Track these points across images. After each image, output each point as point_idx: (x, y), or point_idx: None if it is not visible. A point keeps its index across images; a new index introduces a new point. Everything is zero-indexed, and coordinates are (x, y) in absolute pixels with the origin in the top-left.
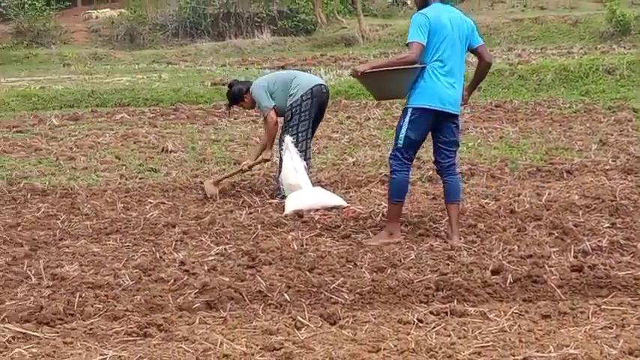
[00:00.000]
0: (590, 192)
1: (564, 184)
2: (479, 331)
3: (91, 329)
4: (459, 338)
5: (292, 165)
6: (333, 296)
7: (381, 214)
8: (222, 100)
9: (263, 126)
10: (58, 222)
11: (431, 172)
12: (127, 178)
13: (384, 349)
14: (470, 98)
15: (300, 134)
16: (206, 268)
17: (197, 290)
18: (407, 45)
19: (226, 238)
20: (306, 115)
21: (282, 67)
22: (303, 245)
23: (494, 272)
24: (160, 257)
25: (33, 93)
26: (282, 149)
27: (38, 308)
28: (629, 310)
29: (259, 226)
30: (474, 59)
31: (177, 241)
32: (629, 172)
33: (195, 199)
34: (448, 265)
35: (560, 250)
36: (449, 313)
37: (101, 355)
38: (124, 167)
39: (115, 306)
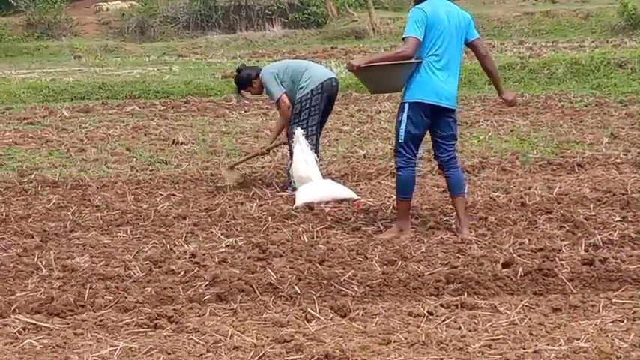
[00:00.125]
0: (601, 185)
1: (575, 178)
2: (489, 323)
3: (101, 320)
4: (470, 331)
5: (303, 157)
6: (344, 288)
7: (391, 207)
8: (233, 93)
9: (278, 112)
10: (69, 213)
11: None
12: (138, 170)
13: (395, 341)
14: (511, 94)
15: (309, 128)
16: (216, 260)
17: (207, 282)
18: (403, 40)
19: (237, 230)
20: (316, 110)
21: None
22: (313, 237)
23: (505, 265)
24: (171, 249)
25: (44, 85)
26: (292, 142)
27: (49, 299)
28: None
29: (270, 218)
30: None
31: (187, 233)
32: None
33: (205, 191)
34: (459, 257)
35: (570, 244)
36: (459, 306)
37: (112, 346)
38: (134, 159)
39: (126, 297)
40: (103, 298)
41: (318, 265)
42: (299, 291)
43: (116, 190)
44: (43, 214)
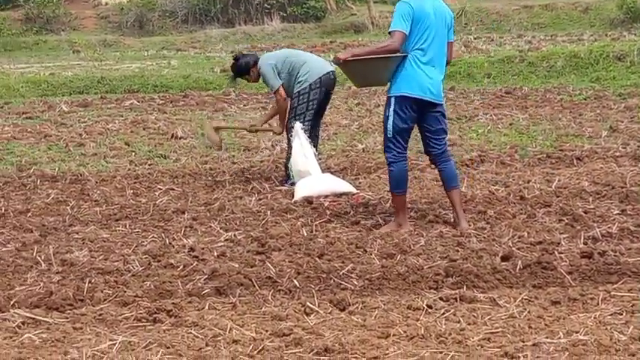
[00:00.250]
0: (600, 179)
1: (574, 171)
2: (488, 317)
3: (100, 315)
4: (469, 324)
5: (302, 151)
6: (343, 282)
7: (390, 201)
8: (231, 87)
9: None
10: (68, 208)
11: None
12: (137, 165)
13: (394, 334)
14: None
15: (306, 122)
16: (215, 254)
17: (206, 276)
18: (389, 33)
19: (236, 224)
20: (314, 104)
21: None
22: (312, 231)
23: (504, 258)
24: (170, 243)
25: (42, 79)
26: (291, 135)
27: (48, 294)
28: (639, 297)
29: (269, 212)
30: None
31: (186, 227)
32: (639, 158)
33: (204, 185)
34: (458, 251)
35: (570, 237)
36: (458, 299)
37: (111, 340)
38: (133, 153)
39: (125, 292)
40: (102, 292)
41: (317, 258)
42: (298, 285)
43: (115, 185)
44: (42, 208)
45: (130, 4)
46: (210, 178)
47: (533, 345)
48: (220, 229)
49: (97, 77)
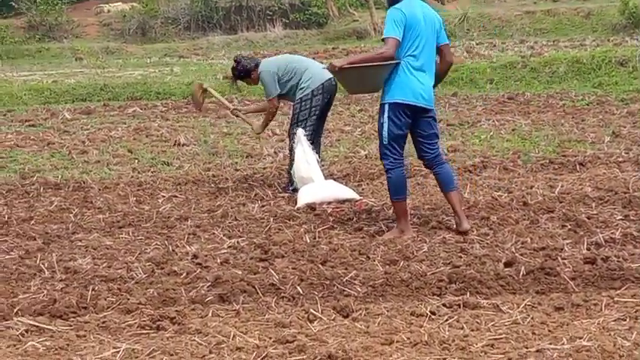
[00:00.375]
0: (603, 184)
1: (577, 177)
2: (492, 323)
3: (104, 322)
4: (472, 330)
5: (304, 158)
6: (346, 289)
7: (393, 207)
8: (234, 94)
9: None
10: (71, 215)
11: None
12: (140, 172)
13: (397, 341)
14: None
15: (308, 128)
16: (219, 261)
17: (210, 283)
18: (383, 40)
19: (239, 231)
20: (316, 110)
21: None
22: (315, 238)
23: (507, 264)
24: (173, 250)
25: (45, 87)
26: (293, 142)
27: (51, 301)
28: None
29: (272, 219)
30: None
31: (189, 234)
32: None
33: (207, 193)
34: (461, 257)
35: (573, 243)
36: (462, 306)
37: (114, 348)
38: (136, 161)
39: (128, 299)
40: (105, 299)
41: (320, 265)
42: (301, 292)
43: (118, 192)
44: (45, 216)
45: (133, 11)
46: (213, 185)
47: (537, 351)
48: (223, 236)
49: (99, 84)
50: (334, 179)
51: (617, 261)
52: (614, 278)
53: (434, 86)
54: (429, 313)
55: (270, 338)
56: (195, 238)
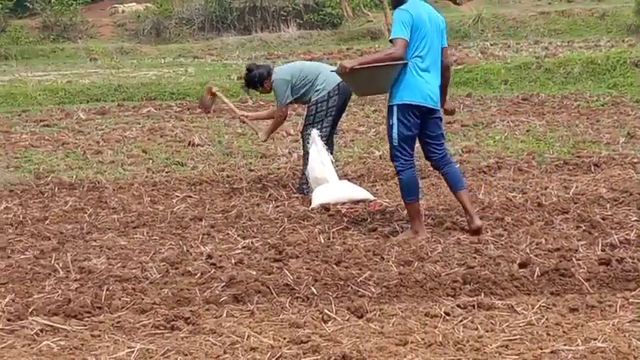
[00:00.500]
0: (618, 185)
1: (592, 177)
2: (506, 324)
3: (118, 322)
4: (487, 331)
5: (319, 158)
6: (360, 289)
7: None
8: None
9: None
10: (86, 215)
11: (458, 165)
12: (154, 172)
13: (412, 342)
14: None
15: (324, 129)
16: (233, 261)
17: (224, 283)
18: (391, 41)
19: (253, 231)
20: (332, 111)
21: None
22: (329, 238)
23: (522, 265)
24: (187, 250)
25: (60, 87)
26: (308, 143)
27: (66, 301)
28: None
29: (286, 219)
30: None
31: (204, 234)
32: None
33: (222, 193)
34: (475, 258)
35: (587, 244)
36: (476, 307)
37: (129, 348)
38: (150, 161)
39: (143, 299)
40: (119, 299)
41: (334, 266)
42: (315, 292)
43: (132, 192)
44: (60, 216)
45: (147, 11)
46: (227, 186)
47: (552, 352)
48: (238, 236)
49: (114, 85)
50: (348, 180)
51: (632, 262)
52: (629, 279)
53: (445, 93)
54: (444, 314)
55: (285, 338)
56: (210, 239)
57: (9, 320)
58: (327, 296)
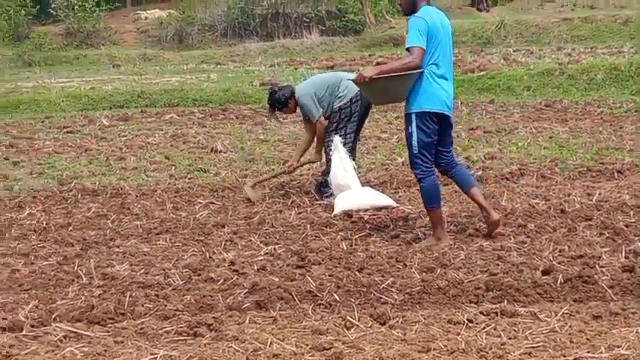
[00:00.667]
0: None
1: (615, 184)
2: (529, 331)
3: (141, 329)
4: (510, 339)
5: (341, 165)
6: (383, 296)
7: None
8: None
9: (305, 128)
10: (109, 222)
11: (480, 172)
12: (177, 178)
13: (434, 349)
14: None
15: (347, 136)
16: (255, 267)
17: (247, 290)
18: (407, 50)
19: (275, 238)
20: (355, 118)
21: (331, 68)
22: (352, 245)
23: (545, 272)
24: (210, 257)
25: (83, 94)
26: (330, 150)
27: (89, 308)
28: None
29: (308, 226)
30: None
31: (226, 241)
32: None
33: (244, 199)
34: (498, 265)
35: (611, 251)
36: (499, 314)
37: (152, 354)
38: (173, 167)
39: (166, 305)
40: (142, 306)
41: (357, 272)
42: (338, 299)
43: (155, 199)
44: (83, 222)
45: (170, 18)
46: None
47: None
48: (260, 242)
49: (137, 91)
50: (371, 186)
51: None
52: None
53: None
54: (466, 321)
55: (307, 345)
56: (232, 245)
57: (33, 326)
58: (349, 303)
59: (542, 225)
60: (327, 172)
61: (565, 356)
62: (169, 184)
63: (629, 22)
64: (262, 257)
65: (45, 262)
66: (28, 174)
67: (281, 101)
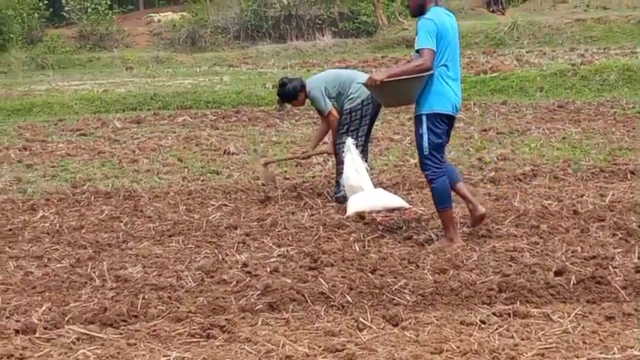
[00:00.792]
0: None
1: (628, 185)
2: (542, 332)
3: (154, 330)
4: (522, 340)
5: (354, 167)
6: (396, 297)
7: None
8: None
9: (320, 118)
10: (122, 224)
11: (493, 173)
12: (189, 181)
13: (447, 350)
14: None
15: (359, 138)
16: (268, 269)
17: (259, 292)
18: (417, 52)
19: (288, 239)
20: (366, 120)
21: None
22: (364, 247)
23: (558, 273)
24: (223, 259)
25: (96, 96)
26: (342, 151)
27: (102, 310)
28: None
29: (321, 227)
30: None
31: (239, 242)
32: None
33: (257, 201)
34: (511, 266)
35: (624, 251)
36: (512, 315)
37: (165, 356)
38: (186, 170)
39: (178, 307)
40: (155, 308)
41: (369, 274)
42: (351, 300)
43: (168, 201)
44: (96, 224)
45: (182, 20)
46: (262, 194)
47: None
48: (273, 244)
49: (149, 94)
50: (383, 188)
51: None
52: None
53: None
54: (479, 322)
55: (320, 347)
56: (245, 247)
57: (46, 329)
58: (362, 304)
59: (555, 226)
60: (339, 172)
61: (578, 357)
62: (182, 186)
63: None
64: (275, 259)
65: (58, 265)
66: (42, 176)
67: (290, 93)
